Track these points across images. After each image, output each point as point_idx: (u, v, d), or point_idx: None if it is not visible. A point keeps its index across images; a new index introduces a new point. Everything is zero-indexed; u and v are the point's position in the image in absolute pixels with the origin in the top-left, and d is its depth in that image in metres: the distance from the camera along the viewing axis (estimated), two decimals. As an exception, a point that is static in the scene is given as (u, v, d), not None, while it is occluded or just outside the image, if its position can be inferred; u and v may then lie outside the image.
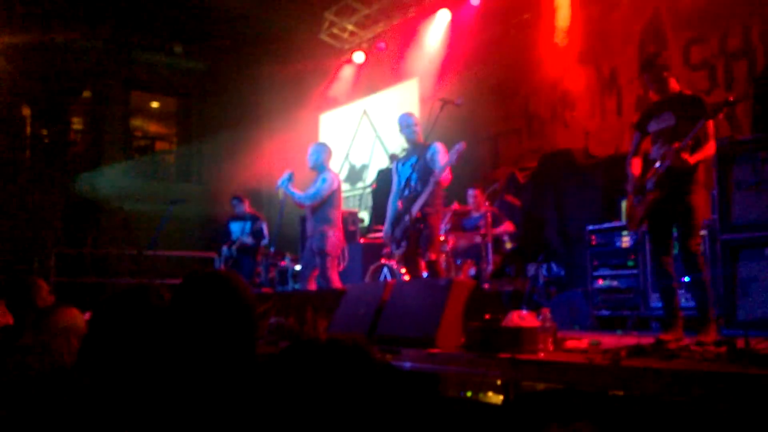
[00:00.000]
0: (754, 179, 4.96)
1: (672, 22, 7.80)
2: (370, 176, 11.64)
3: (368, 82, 11.84)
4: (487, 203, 7.28)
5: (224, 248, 8.69)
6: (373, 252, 7.64)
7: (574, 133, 8.31)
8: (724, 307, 4.69)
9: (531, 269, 7.15)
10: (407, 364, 3.68)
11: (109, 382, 1.76)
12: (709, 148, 3.98)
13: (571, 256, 7.33)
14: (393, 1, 10.59)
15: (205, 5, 11.48)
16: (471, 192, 7.26)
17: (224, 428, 1.52)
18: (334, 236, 6.23)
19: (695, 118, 3.94)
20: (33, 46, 11.14)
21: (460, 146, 5.27)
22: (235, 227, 8.67)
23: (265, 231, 8.53)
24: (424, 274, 6.05)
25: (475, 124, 9.10)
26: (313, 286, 6.41)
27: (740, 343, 3.15)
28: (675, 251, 4.31)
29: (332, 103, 12.67)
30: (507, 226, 7.27)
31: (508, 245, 7.43)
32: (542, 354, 3.29)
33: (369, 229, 9.43)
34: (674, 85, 4.18)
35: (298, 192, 6.37)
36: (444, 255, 6.83)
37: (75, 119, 12.97)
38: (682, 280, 4.81)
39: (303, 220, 7.37)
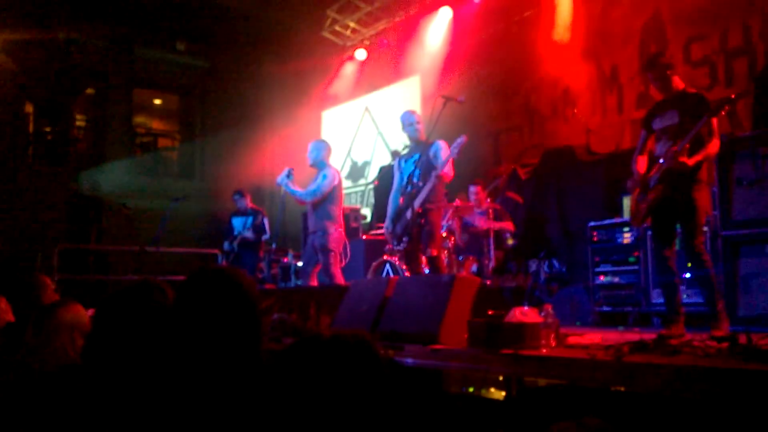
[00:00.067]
0: (754, 176, 4.97)
1: (672, 20, 7.80)
2: (372, 173, 11.65)
3: (370, 79, 11.85)
4: (488, 200, 7.29)
5: (226, 243, 8.72)
6: (376, 248, 7.65)
7: (576, 129, 8.32)
8: (725, 304, 4.70)
9: (532, 265, 7.17)
10: (409, 360, 3.69)
11: (114, 379, 1.77)
12: (713, 146, 3.99)
13: (573, 253, 7.34)
14: (395, -2, 10.61)
15: (207, 3, 11.49)
16: (472, 188, 7.27)
17: (231, 424, 1.53)
18: (336, 232, 6.24)
19: (699, 115, 3.95)
20: (36, 44, 11.17)
21: (462, 139, 5.28)
22: (237, 222, 8.69)
23: (267, 226, 8.53)
24: (426, 271, 6.06)
25: (477, 120, 9.10)
26: (315, 282, 6.42)
27: (742, 339, 3.16)
28: (677, 247, 4.33)
29: (334, 100, 12.68)
30: (507, 225, 7.28)
31: (510, 241, 7.44)
32: (545, 350, 3.30)
33: (371, 226, 9.44)
34: (678, 83, 4.19)
35: (298, 189, 6.38)
36: (446, 251, 6.85)
37: (78, 116, 13.00)
38: (683, 276, 4.82)
39: (305, 216, 7.39)
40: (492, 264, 6.77)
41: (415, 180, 5.54)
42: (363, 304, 4.50)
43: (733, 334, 3.52)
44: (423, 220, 5.45)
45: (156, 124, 14.95)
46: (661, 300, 5.60)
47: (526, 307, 3.60)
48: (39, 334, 2.50)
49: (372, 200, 10.89)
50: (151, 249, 8.44)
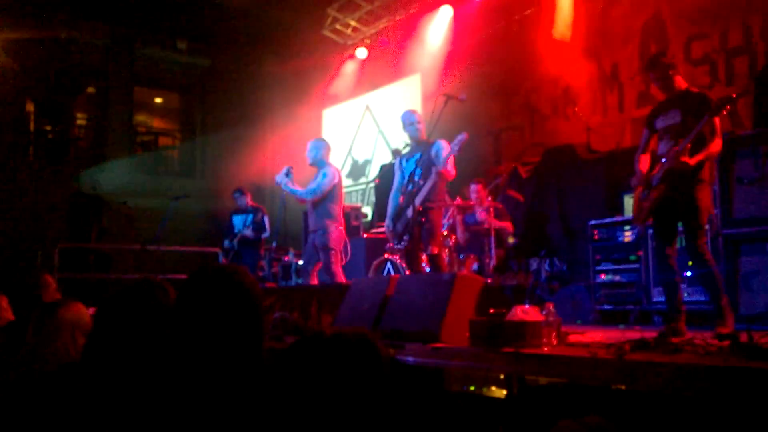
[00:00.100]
0: (755, 174, 4.98)
1: (673, 18, 7.81)
2: (372, 171, 11.66)
3: (371, 77, 11.85)
4: (489, 198, 7.29)
5: (226, 241, 8.73)
6: (376, 247, 7.66)
7: (576, 128, 8.32)
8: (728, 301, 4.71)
9: (533, 264, 7.17)
10: (410, 359, 3.69)
11: (115, 379, 1.76)
12: (715, 145, 3.99)
13: (574, 251, 7.34)
14: (395, -3, 10.61)
15: (208, 2, 11.49)
16: (473, 187, 7.27)
17: (233, 423, 1.53)
18: (336, 231, 6.24)
19: (701, 115, 3.95)
20: (37, 42, 11.17)
21: (463, 136, 5.28)
22: (237, 220, 8.70)
23: (267, 224, 8.54)
24: (427, 269, 6.07)
25: (478, 119, 9.11)
26: (315, 281, 6.42)
27: (743, 338, 3.17)
28: (678, 246, 4.33)
29: (335, 98, 12.68)
30: (506, 225, 7.27)
31: (511, 240, 7.44)
32: (546, 348, 3.30)
33: (372, 224, 9.45)
34: (680, 83, 4.19)
35: (298, 188, 6.38)
36: (447, 249, 6.85)
37: (79, 115, 13.01)
38: (684, 274, 4.82)
39: (306, 215, 7.40)
40: (493, 262, 6.77)
41: (416, 178, 5.54)
42: (364, 303, 4.50)
43: (735, 333, 3.53)
44: (424, 219, 5.45)
45: (157, 123, 14.96)
46: (661, 298, 5.61)
47: (527, 306, 3.60)
48: (40, 333, 2.49)
49: (373, 199, 10.89)
50: (151, 248, 8.46)
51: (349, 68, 12.13)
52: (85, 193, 11.70)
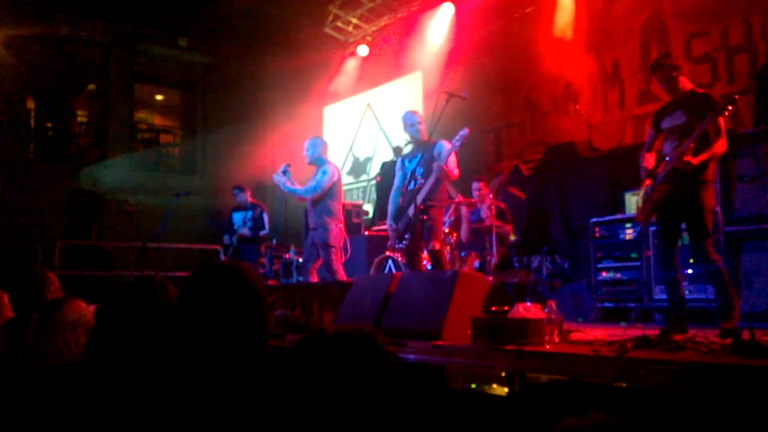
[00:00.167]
0: (756, 172, 4.98)
1: (673, 16, 7.81)
2: (373, 169, 11.66)
3: (372, 75, 11.85)
4: (491, 196, 7.29)
5: (225, 237, 8.74)
6: (378, 244, 7.65)
7: (577, 125, 8.32)
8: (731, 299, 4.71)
9: (535, 261, 7.17)
10: (412, 356, 3.70)
11: (116, 376, 1.76)
12: (719, 146, 3.99)
13: (575, 249, 7.35)
14: (397, -6, 10.61)
15: (209, -1, 11.49)
16: (475, 185, 7.26)
17: (237, 421, 1.54)
18: (336, 228, 6.24)
19: (705, 116, 3.95)
20: (38, 39, 11.16)
21: (464, 132, 5.27)
22: (237, 217, 8.70)
23: (266, 221, 8.53)
24: (428, 266, 6.07)
25: (479, 117, 9.11)
26: (314, 278, 6.43)
27: (745, 335, 3.17)
28: (681, 243, 4.33)
29: (336, 96, 12.68)
30: (508, 228, 7.25)
31: (512, 237, 7.45)
32: (548, 346, 3.31)
33: (373, 222, 9.45)
34: (685, 84, 4.19)
35: (297, 186, 6.38)
36: (448, 247, 6.85)
37: (79, 112, 13.00)
38: (686, 272, 4.82)
39: (306, 212, 7.40)
40: (494, 260, 6.77)
41: (417, 176, 5.54)
42: (366, 301, 4.50)
43: (737, 330, 3.54)
44: (425, 216, 5.44)
45: (157, 120, 14.95)
46: (663, 296, 5.63)
47: (528, 303, 3.61)
48: (41, 331, 2.49)
49: (374, 196, 10.89)
50: (152, 245, 8.45)
51: (350, 65, 12.12)
52: (85, 191, 11.70)
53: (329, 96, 12.73)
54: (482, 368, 3.66)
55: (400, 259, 6.89)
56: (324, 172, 6.26)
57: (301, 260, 8.42)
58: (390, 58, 11.44)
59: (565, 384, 3.22)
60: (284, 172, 6.42)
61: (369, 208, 10.77)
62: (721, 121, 3.99)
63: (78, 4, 11.43)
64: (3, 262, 9.82)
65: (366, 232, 8.43)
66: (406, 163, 5.78)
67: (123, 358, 1.83)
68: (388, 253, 7.20)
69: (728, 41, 7.26)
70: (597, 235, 6.50)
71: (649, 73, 4.36)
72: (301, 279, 8.51)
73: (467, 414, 3.68)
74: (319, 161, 6.37)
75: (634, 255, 6.15)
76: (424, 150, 5.60)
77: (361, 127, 12.35)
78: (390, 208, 5.85)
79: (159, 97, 14.81)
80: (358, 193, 12.10)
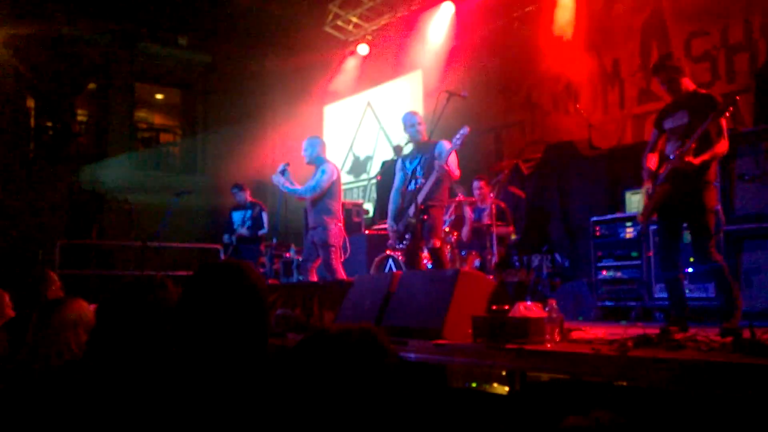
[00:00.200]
0: (756, 171, 4.99)
1: (673, 15, 7.81)
2: (374, 168, 11.66)
3: (372, 74, 11.85)
4: (492, 195, 7.29)
5: (225, 236, 8.73)
6: (378, 243, 7.65)
7: (577, 124, 8.33)
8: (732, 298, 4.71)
9: (535, 260, 7.17)
10: (413, 355, 3.70)
11: (118, 375, 1.77)
12: (720, 146, 3.98)
13: (575, 247, 7.35)
14: (397, -8, 10.61)
15: (209, -2, 11.49)
16: (476, 184, 7.26)
17: (240, 419, 1.54)
18: (336, 227, 6.25)
19: (707, 116, 3.96)
20: (38, 38, 11.15)
21: (465, 130, 5.26)
22: (237, 216, 8.68)
23: (265, 220, 8.51)
24: (428, 265, 6.07)
25: (479, 116, 9.11)
26: (314, 277, 6.44)
27: (745, 334, 3.18)
28: (682, 242, 4.33)
29: (336, 95, 12.68)
30: (507, 229, 7.25)
31: (513, 236, 7.45)
32: (549, 345, 3.31)
33: (373, 221, 9.45)
34: (687, 85, 4.19)
35: (297, 186, 6.39)
36: (448, 246, 6.85)
37: (79, 111, 12.99)
38: (686, 270, 4.82)
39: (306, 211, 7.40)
40: (495, 259, 6.78)
41: (418, 175, 5.54)
42: (366, 300, 4.50)
43: (738, 329, 3.54)
44: (425, 216, 5.44)
45: (158, 119, 14.94)
46: (663, 294, 5.64)
47: (529, 302, 3.61)
48: (42, 330, 2.49)
49: (374, 195, 10.90)
50: (152, 244, 8.46)
51: (351, 64, 12.12)
52: (86, 190, 11.70)
53: (329, 95, 12.73)
54: (483, 367, 3.66)
55: (400, 257, 6.89)
56: (323, 172, 6.26)
57: (301, 259, 8.44)
58: (390, 57, 11.44)
59: (565, 383, 3.22)
60: (283, 172, 6.43)
61: (369, 207, 10.77)
62: (723, 122, 3.99)
63: (78, 3, 11.42)
64: (3, 261, 9.83)
65: (366, 231, 8.43)
66: (407, 164, 5.77)
67: (124, 357, 1.84)
68: (388, 252, 7.20)
69: (728, 40, 7.26)
70: (597, 233, 6.51)
71: (652, 75, 4.36)
72: (301, 278, 8.52)
73: (468, 413, 3.68)
74: (318, 160, 6.37)
75: (634, 254, 6.16)
76: (425, 151, 5.59)
77: (361, 126, 12.35)
78: (390, 209, 5.84)
79: (159, 97, 14.81)
80: (359, 192, 12.11)
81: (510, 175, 8.32)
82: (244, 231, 8.44)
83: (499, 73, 9.55)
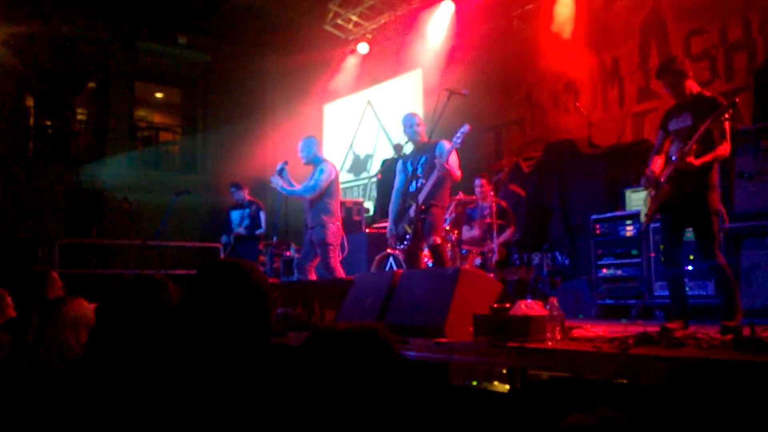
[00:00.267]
0: (755, 169, 5.00)
1: (672, 14, 7.82)
2: (374, 166, 11.66)
3: (372, 72, 11.85)
4: (492, 193, 7.30)
5: (223, 236, 8.71)
6: (379, 242, 7.65)
7: (577, 123, 8.34)
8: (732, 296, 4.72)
9: (535, 258, 7.18)
10: (414, 354, 3.71)
11: (119, 373, 1.77)
12: (722, 149, 3.98)
13: (575, 246, 7.36)
14: (397, -9, 10.61)
15: (209, -4, 11.48)
16: (477, 182, 7.25)
17: (243, 417, 1.54)
18: (334, 226, 6.26)
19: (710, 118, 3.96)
20: (37, 37, 11.14)
21: (465, 128, 5.25)
22: (235, 215, 8.65)
23: (262, 219, 8.48)
24: (429, 263, 6.07)
25: (479, 114, 9.11)
26: (313, 276, 6.45)
27: (746, 331, 3.19)
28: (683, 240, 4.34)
29: (336, 93, 12.67)
30: (508, 232, 7.23)
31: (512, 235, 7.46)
32: (550, 343, 3.32)
33: (374, 219, 9.45)
34: (692, 87, 4.19)
35: (295, 186, 6.39)
36: (449, 244, 6.85)
37: (79, 110, 12.96)
38: (686, 268, 4.83)
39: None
40: (495, 257, 6.78)
41: (419, 173, 5.54)
42: (367, 298, 4.51)
43: (738, 327, 3.55)
44: (425, 215, 5.43)
45: (157, 118, 14.91)
46: (663, 292, 5.65)
47: (530, 300, 3.62)
48: (43, 329, 2.50)
49: (374, 194, 10.90)
50: (153, 243, 8.46)
51: (351, 63, 12.12)
52: (85, 189, 11.70)
53: (329, 93, 12.73)
54: (484, 365, 3.67)
55: (401, 256, 6.89)
56: (321, 171, 6.27)
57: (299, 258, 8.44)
58: (390, 56, 11.44)
59: (566, 381, 3.23)
60: (281, 170, 6.43)
61: (369, 205, 10.77)
62: (727, 125, 3.99)
63: (78, 2, 11.42)
64: (3, 260, 9.83)
65: (367, 230, 8.44)
66: (408, 165, 5.76)
67: (124, 355, 1.85)
68: (389, 251, 7.20)
69: (727, 39, 7.27)
70: (597, 232, 6.52)
71: (656, 77, 4.34)
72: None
73: (468, 411, 3.69)
74: (315, 160, 6.38)
75: (634, 252, 6.17)
76: (425, 151, 5.58)
77: (361, 124, 12.35)
78: (391, 212, 5.82)
79: (159, 95, 14.79)
80: (359, 190, 12.11)
81: (510, 174, 8.33)
82: (241, 230, 8.42)
83: (499, 71, 9.55)
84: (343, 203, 8.19)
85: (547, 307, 3.50)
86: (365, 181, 12.03)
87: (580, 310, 6.35)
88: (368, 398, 1.28)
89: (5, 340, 3.14)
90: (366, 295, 4.57)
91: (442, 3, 10.16)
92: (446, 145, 5.42)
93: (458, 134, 5.26)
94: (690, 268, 5.41)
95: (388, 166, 9.17)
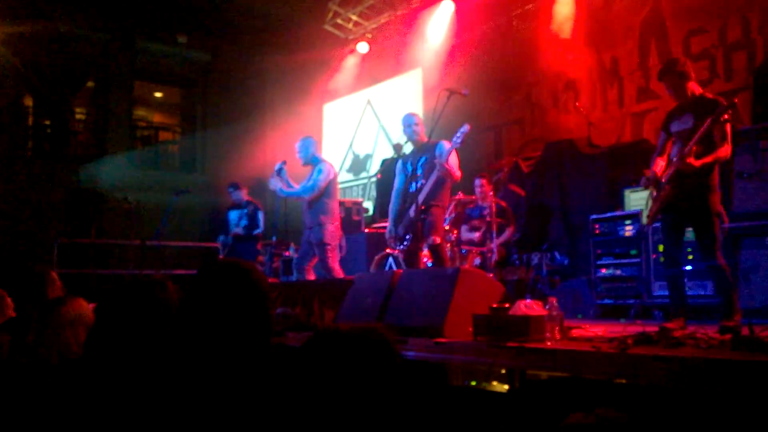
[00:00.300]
0: (754, 168, 5.00)
1: (672, 14, 7.83)
2: (373, 166, 11.66)
3: (372, 72, 11.85)
4: (491, 193, 7.30)
5: (221, 236, 8.68)
6: (378, 242, 7.65)
7: (577, 122, 8.34)
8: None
9: (535, 258, 7.18)
10: (414, 354, 3.71)
11: (117, 373, 1.77)
12: (723, 151, 3.98)
13: (575, 246, 7.36)
14: (396, -9, 10.61)
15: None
16: (477, 181, 7.24)
17: (243, 417, 1.54)
18: (332, 226, 6.26)
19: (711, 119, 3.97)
20: (36, 36, 11.13)
21: (465, 128, 5.25)
22: (233, 215, 8.61)
23: (260, 219, 8.44)
24: (428, 263, 6.07)
25: (479, 114, 9.11)
26: (311, 276, 6.45)
27: (744, 331, 3.20)
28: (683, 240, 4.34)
29: (336, 93, 12.67)
30: (508, 231, 7.23)
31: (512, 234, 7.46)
32: (549, 343, 3.32)
33: (373, 219, 9.45)
34: (694, 89, 4.19)
35: (294, 187, 6.40)
36: (449, 244, 6.85)
37: (78, 109, 12.96)
38: (684, 268, 4.82)
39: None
40: (495, 257, 6.78)
41: (418, 174, 5.54)
42: (367, 298, 4.51)
43: (737, 327, 3.56)
44: (425, 216, 5.43)
45: (157, 118, 14.92)
46: (662, 292, 5.65)
47: (529, 300, 3.62)
48: (42, 329, 2.51)
49: (374, 193, 10.90)
50: (152, 243, 8.45)
51: (350, 63, 12.11)
52: (84, 188, 11.69)
53: (329, 93, 12.72)
54: (483, 365, 3.67)
55: (401, 256, 6.89)
56: (320, 171, 6.28)
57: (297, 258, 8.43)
58: (390, 56, 11.44)
59: (565, 381, 3.23)
60: (280, 170, 6.44)
61: (369, 205, 10.77)
62: (728, 127, 3.99)
63: (77, 1, 11.40)
64: (3, 260, 9.82)
65: (366, 230, 8.44)
66: (408, 165, 5.76)
67: (123, 355, 1.84)
68: (388, 251, 7.20)
69: (727, 38, 7.28)
70: (597, 231, 6.52)
71: (658, 80, 4.34)
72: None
73: (468, 411, 3.69)
74: (313, 160, 6.39)
75: (633, 252, 6.17)
76: (425, 151, 5.58)
77: (361, 124, 12.35)
78: (390, 213, 5.81)
79: (158, 95, 14.79)
80: (358, 190, 12.11)
81: (510, 174, 8.33)
82: (239, 230, 8.40)
83: (499, 71, 9.55)
84: (342, 203, 8.19)
85: (547, 307, 3.51)
86: (365, 180, 12.03)
87: (580, 310, 6.35)
88: (370, 399, 1.28)
89: (5, 340, 3.13)
90: (365, 295, 4.57)
91: (442, 2, 10.16)
92: (446, 145, 5.42)
93: (458, 134, 5.26)
94: (689, 268, 5.41)
95: (387, 166, 9.17)
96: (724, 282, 3.93)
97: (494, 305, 3.61)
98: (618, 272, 6.26)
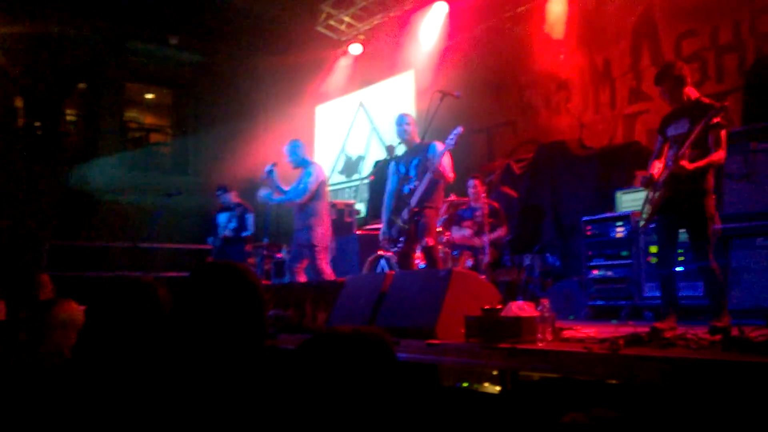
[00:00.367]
0: (745, 170, 5.03)
1: (664, 16, 7.87)
2: (366, 168, 11.66)
3: (365, 74, 11.84)
4: (484, 195, 7.31)
5: (209, 239, 8.63)
6: (370, 243, 7.64)
7: (569, 124, 8.37)
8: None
9: (527, 260, 7.20)
10: (406, 355, 3.71)
11: (108, 376, 1.76)
12: (717, 155, 4.00)
13: (567, 247, 7.39)
14: (389, -8, 10.61)
15: (200, -3, 11.45)
16: (471, 183, 7.24)
17: (238, 420, 1.54)
18: (321, 228, 6.27)
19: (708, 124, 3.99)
20: (27, 37, 11.07)
21: (458, 130, 5.26)
22: (222, 218, 8.56)
23: (250, 222, 8.39)
24: (421, 265, 6.07)
25: (471, 116, 9.11)
26: (302, 277, 6.45)
27: (734, 332, 3.22)
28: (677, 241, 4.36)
29: (328, 95, 12.66)
30: (501, 231, 7.24)
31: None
32: (541, 344, 3.33)
33: (365, 221, 9.45)
34: (691, 93, 4.21)
35: (285, 191, 6.40)
36: (441, 246, 6.86)
37: (69, 111, 12.90)
38: (675, 269, 4.84)
39: (294, 212, 7.39)
40: (487, 259, 6.79)
41: (411, 175, 5.54)
42: (359, 300, 4.51)
43: (727, 327, 3.58)
44: (418, 218, 5.43)
45: (148, 119, 14.84)
46: (653, 293, 5.68)
47: (521, 302, 3.63)
48: (33, 332, 2.50)
49: (366, 195, 10.89)
50: (143, 245, 8.42)
51: (343, 64, 12.10)
52: (75, 190, 11.63)
53: (321, 95, 12.71)
54: (475, 366, 3.68)
55: (392, 258, 6.89)
56: (309, 174, 6.29)
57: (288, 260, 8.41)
58: (383, 57, 11.43)
59: (557, 381, 3.24)
60: (270, 171, 6.44)
61: (361, 207, 10.77)
62: (723, 132, 4.02)
63: (68, 2, 11.35)
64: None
65: (358, 232, 8.43)
66: (401, 166, 5.75)
67: (112, 358, 1.83)
68: (380, 253, 7.20)
69: (718, 41, 7.32)
70: (588, 233, 6.54)
71: (654, 84, 4.36)
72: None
73: (460, 412, 3.69)
74: (303, 163, 6.41)
75: (624, 253, 6.20)
76: (418, 152, 5.57)
77: (353, 126, 12.35)
78: (384, 215, 5.80)
79: (150, 96, 14.72)
80: (350, 192, 12.10)
81: (502, 175, 8.35)
82: (228, 232, 8.35)
83: (492, 72, 9.57)
84: (334, 205, 8.18)
85: (539, 308, 3.52)
86: (357, 182, 12.02)
87: (571, 311, 6.37)
88: (367, 401, 1.28)
89: (-4, 343, 3.12)
90: (358, 296, 4.57)
91: (435, 4, 10.17)
92: (439, 146, 5.42)
93: (451, 136, 5.26)
94: (681, 269, 5.44)
95: (380, 168, 9.17)
96: (715, 283, 3.96)
97: (486, 307, 3.62)
98: (609, 273, 6.29)
